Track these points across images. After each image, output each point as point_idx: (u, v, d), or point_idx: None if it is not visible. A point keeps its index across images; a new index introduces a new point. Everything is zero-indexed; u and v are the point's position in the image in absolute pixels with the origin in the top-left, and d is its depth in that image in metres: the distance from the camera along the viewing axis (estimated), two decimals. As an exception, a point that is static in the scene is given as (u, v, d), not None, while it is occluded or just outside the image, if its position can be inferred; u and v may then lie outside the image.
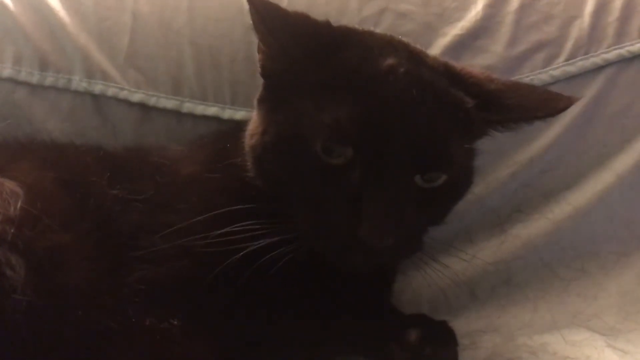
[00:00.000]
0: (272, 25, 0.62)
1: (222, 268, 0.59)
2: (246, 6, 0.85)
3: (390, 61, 0.61)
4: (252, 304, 0.63)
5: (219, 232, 0.59)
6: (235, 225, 0.59)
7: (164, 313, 0.58)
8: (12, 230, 0.55)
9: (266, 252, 0.59)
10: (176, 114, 0.89)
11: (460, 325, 0.78)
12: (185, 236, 0.60)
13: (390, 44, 0.66)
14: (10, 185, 0.60)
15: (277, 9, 0.63)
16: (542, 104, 0.66)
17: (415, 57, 0.65)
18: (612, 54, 0.89)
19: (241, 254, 0.58)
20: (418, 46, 0.71)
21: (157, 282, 0.60)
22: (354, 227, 0.57)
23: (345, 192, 0.58)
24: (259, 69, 0.67)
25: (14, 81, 0.87)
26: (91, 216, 0.63)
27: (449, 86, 0.63)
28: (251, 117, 0.71)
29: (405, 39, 0.70)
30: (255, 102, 0.69)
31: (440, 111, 0.61)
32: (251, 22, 0.64)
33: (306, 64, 0.62)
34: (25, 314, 0.52)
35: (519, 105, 0.65)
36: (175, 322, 0.58)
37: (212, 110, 0.89)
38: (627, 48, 0.90)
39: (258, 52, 0.67)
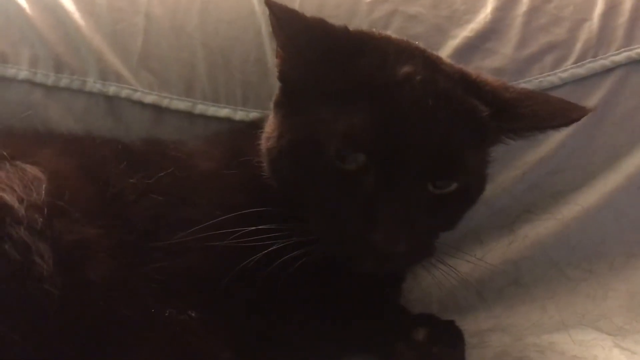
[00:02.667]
0: (290, 31, 0.62)
1: (240, 266, 0.60)
2: (257, 8, 0.88)
3: (406, 69, 0.62)
4: (267, 301, 0.64)
5: (237, 233, 0.59)
6: (253, 227, 0.60)
7: (183, 305, 0.60)
8: (41, 220, 0.56)
9: (282, 253, 0.60)
10: (188, 115, 0.90)
11: (469, 325, 0.79)
12: (204, 231, 0.61)
13: (406, 51, 0.66)
14: (32, 170, 0.61)
15: (296, 14, 0.64)
16: (556, 114, 0.66)
17: (431, 65, 0.65)
18: (621, 56, 0.89)
19: (260, 254, 0.59)
20: (434, 52, 0.71)
21: (176, 273, 0.61)
22: (367, 233, 0.58)
23: (359, 197, 0.59)
24: (276, 73, 0.68)
25: (30, 83, 0.88)
26: (111, 207, 0.64)
27: (464, 94, 0.63)
28: (264, 116, 0.72)
29: (421, 45, 0.70)
30: (271, 105, 0.69)
31: (455, 120, 0.61)
32: (263, 25, 0.64)
33: (324, 69, 0.62)
34: (53, 304, 0.54)
35: (533, 115, 0.64)
36: (194, 314, 0.60)
37: (224, 111, 0.90)
38: (636, 50, 0.90)
39: (276, 57, 0.67)
